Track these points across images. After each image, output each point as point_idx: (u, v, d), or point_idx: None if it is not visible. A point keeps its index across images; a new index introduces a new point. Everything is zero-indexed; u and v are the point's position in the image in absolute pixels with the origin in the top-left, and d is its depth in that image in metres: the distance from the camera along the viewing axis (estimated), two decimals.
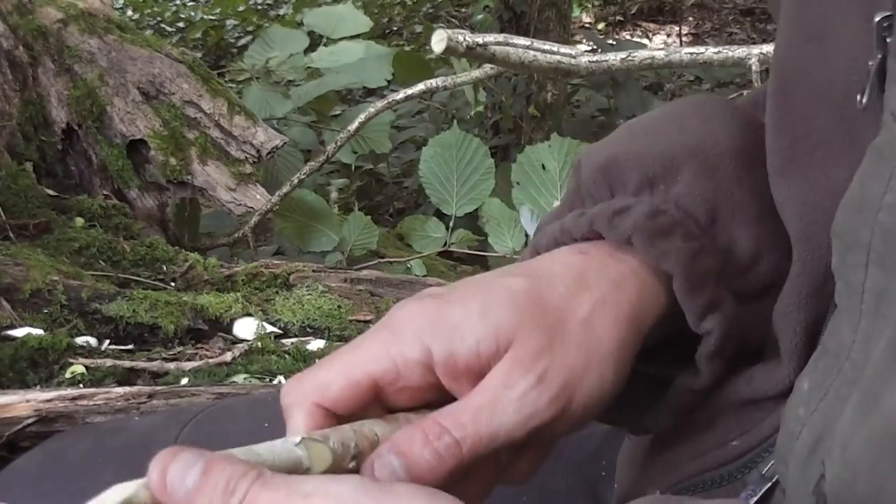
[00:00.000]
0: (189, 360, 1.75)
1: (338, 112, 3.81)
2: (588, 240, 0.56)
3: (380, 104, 2.79)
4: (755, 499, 0.51)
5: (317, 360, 1.80)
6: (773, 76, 0.56)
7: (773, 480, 0.52)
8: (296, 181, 2.66)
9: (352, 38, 3.82)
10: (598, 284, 0.52)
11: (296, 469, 0.43)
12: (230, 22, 6.36)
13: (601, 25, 6.95)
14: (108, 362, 1.69)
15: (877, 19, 0.46)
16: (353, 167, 3.75)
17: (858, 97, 0.48)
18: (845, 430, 0.42)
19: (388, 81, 3.49)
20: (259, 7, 6.68)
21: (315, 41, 3.88)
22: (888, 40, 0.46)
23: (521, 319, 0.49)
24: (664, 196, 0.56)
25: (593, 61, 2.36)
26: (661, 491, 0.57)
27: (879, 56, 0.46)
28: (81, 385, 1.60)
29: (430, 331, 0.49)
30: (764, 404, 0.55)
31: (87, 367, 1.67)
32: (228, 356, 1.74)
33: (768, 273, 0.56)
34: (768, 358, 0.57)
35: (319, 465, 0.44)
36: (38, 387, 1.58)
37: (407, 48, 5.28)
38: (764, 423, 0.54)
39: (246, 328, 1.87)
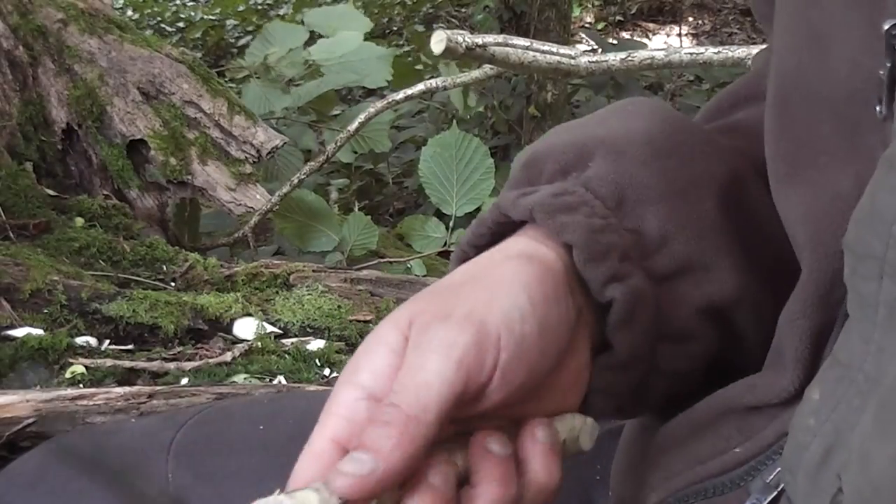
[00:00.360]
0: (189, 360, 1.76)
1: (337, 112, 3.81)
2: (504, 228, 0.57)
3: (380, 104, 2.79)
4: None
5: (317, 361, 1.81)
6: (772, 84, 0.56)
7: (779, 490, 0.51)
8: (296, 181, 2.67)
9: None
10: (493, 259, 0.54)
11: None
12: (230, 22, 6.36)
13: (601, 25, 6.95)
14: (108, 362, 1.69)
15: (886, 27, 0.46)
16: (353, 167, 3.75)
17: (878, 108, 0.48)
18: (864, 445, 0.41)
19: (388, 82, 3.49)
20: (259, 7, 6.67)
21: (315, 40, 3.89)
22: None
23: (417, 303, 0.51)
24: (574, 182, 0.57)
25: (593, 62, 2.36)
26: (661, 498, 0.56)
27: (889, 64, 0.46)
28: (81, 385, 1.60)
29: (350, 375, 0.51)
30: (766, 411, 0.55)
31: (87, 367, 1.67)
32: (228, 356, 1.74)
33: (681, 253, 0.56)
34: (770, 365, 0.57)
35: None
36: (38, 387, 1.58)
37: (406, 48, 5.28)
38: (767, 431, 0.54)
39: (246, 328, 1.87)
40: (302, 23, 3.79)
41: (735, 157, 0.61)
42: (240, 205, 2.49)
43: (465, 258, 0.57)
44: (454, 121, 3.28)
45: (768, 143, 0.56)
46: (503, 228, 0.57)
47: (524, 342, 0.49)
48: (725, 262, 0.57)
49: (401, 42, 5.77)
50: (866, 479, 0.40)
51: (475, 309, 0.49)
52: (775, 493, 0.51)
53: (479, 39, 2.20)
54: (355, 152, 3.27)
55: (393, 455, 0.45)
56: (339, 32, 3.52)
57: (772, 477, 0.52)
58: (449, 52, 2.15)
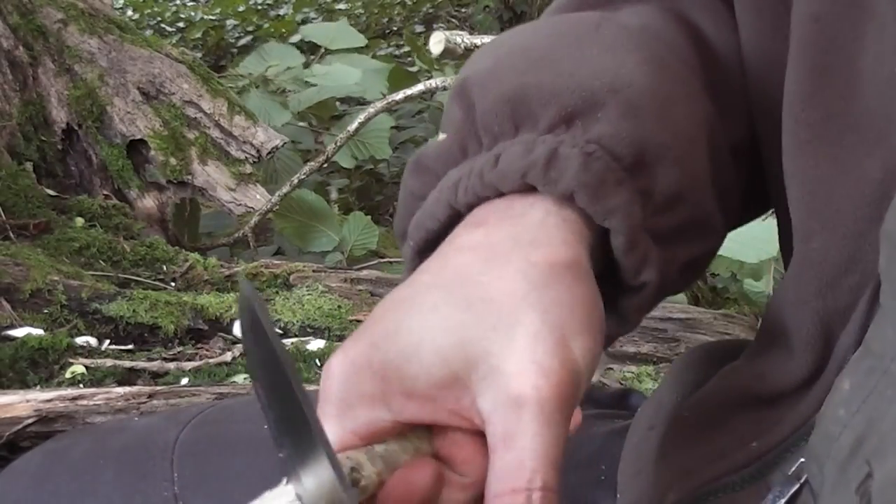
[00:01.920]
0: (189, 360, 1.75)
1: (337, 114, 3.81)
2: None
3: (379, 104, 2.79)
4: (784, 500, 0.50)
5: (317, 361, 1.80)
6: (813, 49, 0.53)
7: (802, 481, 0.50)
8: (296, 181, 2.66)
9: (349, 50, 3.87)
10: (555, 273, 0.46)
11: None
12: (230, 22, 6.35)
13: None
14: (108, 362, 1.69)
15: None
16: (353, 167, 3.75)
17: None
18: None
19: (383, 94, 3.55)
20: (259, 7, 6.67)
21: (313, 48, 3.91)
22: None
23: (461, 323, 0.43)
24: (584, 134, 0.50)
25: None
26: (679, 498, 0.56)
27: None
28: (81, 385, 1.60)
29: (378, 386, 0.43)
30: (779, 402, 0.54)
31: (87, 367, 1.67)
32: (228, 356, 1.74)
33: (686, 214, 0.53)
34: (772, 348, 0.56)
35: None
36: (38, 387, 1.58)
37: (406, 48, 5.28)
38: (784, 423, 0.53)
39: None
40: (302, 23, 3.80)
41: (704, 99, 0.58)
42: (240, 205, 2.49)
43: (455, 215, 0.50)
44: None
45: (792, 104, 0.54)
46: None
47: (591, 375, 0.46)
48: (716, 218, 0.56)
49: (401, 42, 5.77)
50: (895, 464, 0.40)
51: (562, 356, 0.43)
52: (798, 484, 0.50)
53: (478, 40, 2.20)
54: (355, 158, 3.27)
55: None
56: (336, 47, 3.57)
57: (793, 469, 0.51)
58: (448, 53, 2.15)
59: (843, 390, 0.45)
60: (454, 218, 0.50)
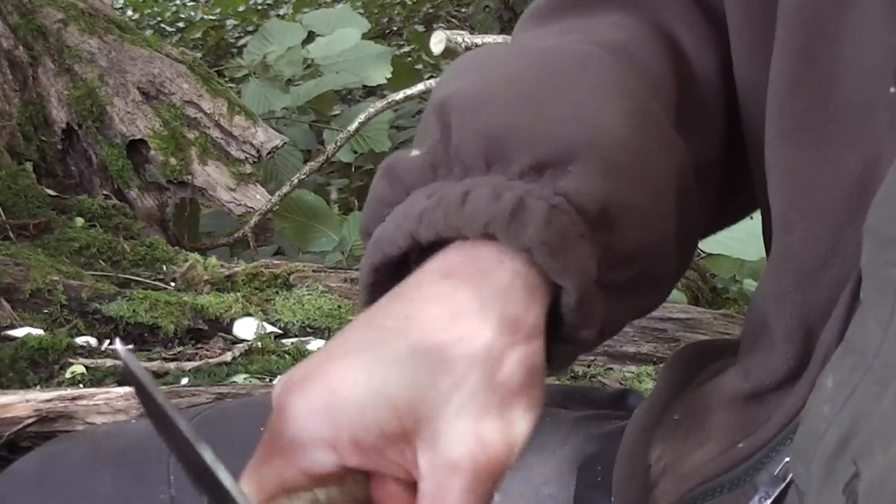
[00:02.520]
0: (189, 360, 1.76)
1: (337, 112, 3.81)
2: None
3: (380, 104, 2.79)
4: (769, 501, 0.51)
5: None
6: (797, 36, 0.53)
7: (787, 481, 0.51)
8: (296, 181, 2.67)
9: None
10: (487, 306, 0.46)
11: None
12: (230, 22, 6.35)
13: None
14: (108, 362, 1.69)
15: None
16: (353, 167, 3.75)
17: (893, 90, 0.47)
18: (885, 428, 0.41)
19: (388, 81, 3.49)
20: (259, 7, 6.67)
21: (314, 39, 3.89)
22: None
23: (412, 376, 0.44)
24: (553, 185, 0.49)
25: None
26: (671, 502, 0.56)
27: None
28: (81, 385, 1.60)
29: (328, 430, 0.44)
30: (765, 400, 0.54)
31: (87, 367, 1.67)
32: (228, 356, 1.74)
33: (642, 269, 0.53)
34: (756, 346, 0.56)
35: None
36: (38, 387, 1.58)
37: (406, 48, 5.28)
38: (769, 424, 0.53)
39: (246, 328, 1.87)
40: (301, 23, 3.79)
41: (679, 145, 0.58)
42: (240, 205, 2.49)
43: (413, 245, 0.49)
44: None
45: (776, 94, 0.54)
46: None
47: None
48: (673, 272, 0.56)
49: (401, 42, 5.77)
50: (890, 464, 0.40)
51: (506, 432, 0.44)
52: (783, 484, 0.51)
53: (479, 39, 2.20)
54: (355, 152, 3.27)
55: None
56: (337, 31, 3.52)
57: (779, 469, 0.52)
58: (449, 53, 2.15)
59: (826, 388, 0.46)
60: (414, 246, 0.50)
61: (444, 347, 0.45)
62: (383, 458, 0.44)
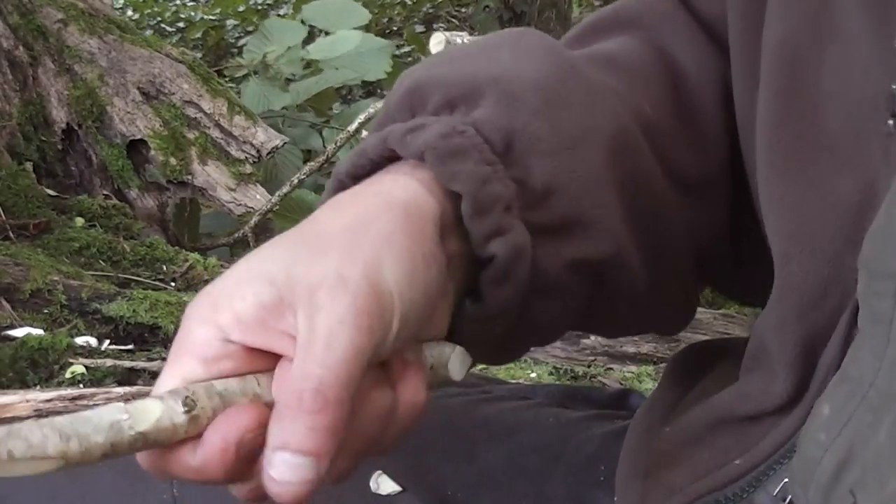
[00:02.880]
0: None
1: (336, 112, 3.81)
2: (386, 160, 0.53)
3: (379, 104, 2.79)
4: None
5: None
6: (773, 69, 0.54)
7: (787, 502, 0.51)
8: (296, 181, 2.67)
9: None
10: (374, 205, 0.49)
11: (116, 432, 0.41)
12: (230, 22, 6.35)
13: None
14: (108, 362, 1.69)
15: None
16: None
17: (890, 122, 0.47)
18: (880, 463, 0.41)
19: (388, 74, 3.47)
20: (259, 7, 6.67)
21: (314, 37, 3.88)
22: None
23: (292, 255, 0.46)
24: (463, 118, 0.53)
25: None
26: None
27: None
28: (81, 385, 1.60)
29: (210, 312, 0.45)
30: (762, 420, 0.54)
31: (87, 367, 1.67)
32: None
33: (563, 209, 0.54)
34: (754, 370, 0.57)
35: (141, 423, 0.41)
36: (38, 387, 1.58)
37: (406, 48, 5.28)
38: (765, 442, 0.53)
39: None
40: (303, 22, 3.78)
41: (620, 107, 0.59)
42: (240, 205, 2.49)
43: (341, 188, 0.53)
44: None
45: (765, 131, 0.55)
46: (384, 161, 0.53)
47: (413, 307, 0.47)
48: (606, 222, 0.56)
49: (401, 42, 5.77)
50: (885, 498, 0.40)
51: (368, 272, 0.45)
52: None
53: None
54: None
55: (330, 450, 0.42)
56: (338, 30, 3.51)
57: (778, 489, 0.52)
58: None
59: (823, 415, 0.46)
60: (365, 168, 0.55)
61: (321, 226, 0.49)
62: (267, 330, 0.45)
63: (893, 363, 0.42)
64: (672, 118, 0.62)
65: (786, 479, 0.51)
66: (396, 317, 0.46)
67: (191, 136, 2.48)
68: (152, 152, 2.45)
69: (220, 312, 0.45)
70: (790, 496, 0.51)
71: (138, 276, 2.07)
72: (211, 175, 2.47)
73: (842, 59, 0.51)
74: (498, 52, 0.58)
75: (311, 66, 3.47)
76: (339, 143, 2.78)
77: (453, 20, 6.14)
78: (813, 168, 0.52)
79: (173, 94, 2.50)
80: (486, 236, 0.51)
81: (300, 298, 0.44)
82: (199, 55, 4.30)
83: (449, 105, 0.54)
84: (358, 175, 0.53)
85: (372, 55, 3.43)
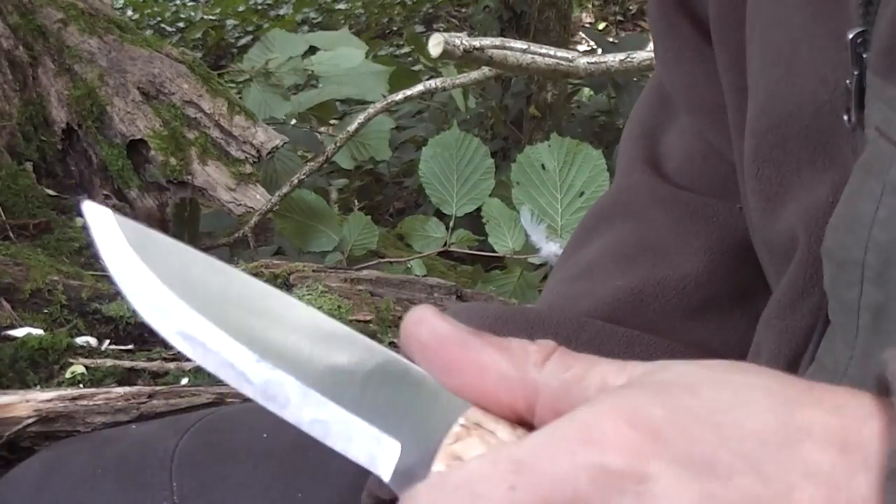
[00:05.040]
0: (189, 360, 1.75)
1: (336, 121, 3.83)
2: None
3: (379, 105, 2.79)
4: None
5: None
6: (750, 116, 0.55)
7: None
8: (296, 181, 2.67)
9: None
10: None
11: None
12: (230, 22, 6.35)
13: (602, 25, 6.95)
14: (108, 362, 1.69)
15: (850, 36, 0.46)
16: (352, 168, 3.76)
17: (845, 117, 0.48)
18: None
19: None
20: (259, 7, 6.67)
21: (315, 51, 3.91)
22: (864, 56, 0.46)
23: None
24: None
25: (592, 63, 2.36)
26: None
27: (856, 73, 0.46)
28: (81, 385, 1.60)
29: None
30: None
31: (87, 367, 1.67)
32: None
33: None
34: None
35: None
36: (38, 387, 1.58)
37: (406, 48, 5.28)
38: None
39: None
40: (302, 23, 3.80)
41: None
42: (240, 205, 2.49)
43: None
44: (454, 121, 3.29)
45: (748, 177, 0.56)
46: None
47: None
48: None
49: (400, 42, 5.77)
50: None
51: None
52: None
53: (477, 42, 2.20)
54: (355, 159, 3.27)
55: None
56: (340, 48, 3.58)
57: None
58: (447, 55, 2.15)
59: None
60: None
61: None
62: None
63: (864, 352, 0.42)
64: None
65: None
66: None
67: (191, 136, 2.48)
68: (152, 152, 2.45)
69: None
70: None
71: None
72: (211, 175, 2.47)
73: (796, 77, 0.52)
74: None
75: (312, 77, 3.50)
76: (338, 144, 2.79)
77: (453, 20, 6.14)
78: (798, 187, 0.53)
79: (173, 94, 2.50)
80: None
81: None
82: (199, 55, 4.30)
83: None
84: None
85: (371, 77, 3.51)
